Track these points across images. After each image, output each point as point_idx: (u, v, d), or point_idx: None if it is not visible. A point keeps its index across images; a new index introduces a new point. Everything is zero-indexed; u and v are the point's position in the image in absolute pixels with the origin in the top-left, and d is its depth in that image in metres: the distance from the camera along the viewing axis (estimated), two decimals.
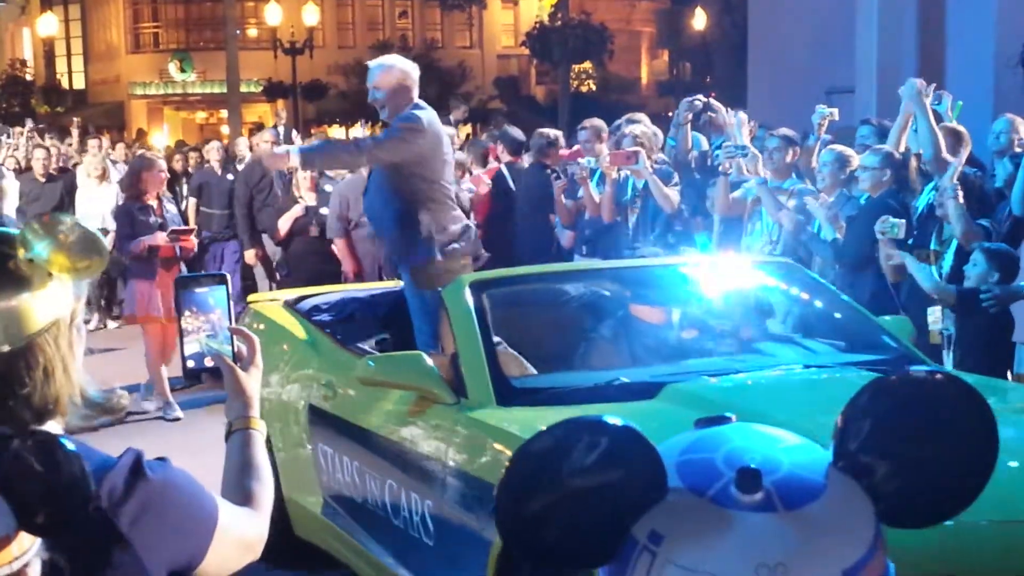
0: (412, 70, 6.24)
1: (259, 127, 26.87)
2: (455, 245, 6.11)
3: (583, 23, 30.65)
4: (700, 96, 8.83)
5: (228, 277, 2.22)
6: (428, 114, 6.15)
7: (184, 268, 8.53)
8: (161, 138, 27.89)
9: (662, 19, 40.49)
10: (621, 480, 1.16)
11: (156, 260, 8.50)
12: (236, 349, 2.10)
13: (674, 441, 1.23)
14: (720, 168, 7.42)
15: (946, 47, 14.71)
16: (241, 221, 10.41)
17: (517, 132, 10.38)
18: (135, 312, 8.54)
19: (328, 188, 9.73)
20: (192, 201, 11.88)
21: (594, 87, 37.22)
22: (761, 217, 7.28)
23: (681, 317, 5.31)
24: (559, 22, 27.75)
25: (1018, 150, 7.07)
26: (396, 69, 6.18)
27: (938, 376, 1.22)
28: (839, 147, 7.53)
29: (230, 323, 2.13)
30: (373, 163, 6.25)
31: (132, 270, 8.83)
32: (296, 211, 9.36)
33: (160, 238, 8.46)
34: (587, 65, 35.63)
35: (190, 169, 13.57)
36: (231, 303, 2.16)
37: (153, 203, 8.68)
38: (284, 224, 9.41)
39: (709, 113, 8.53)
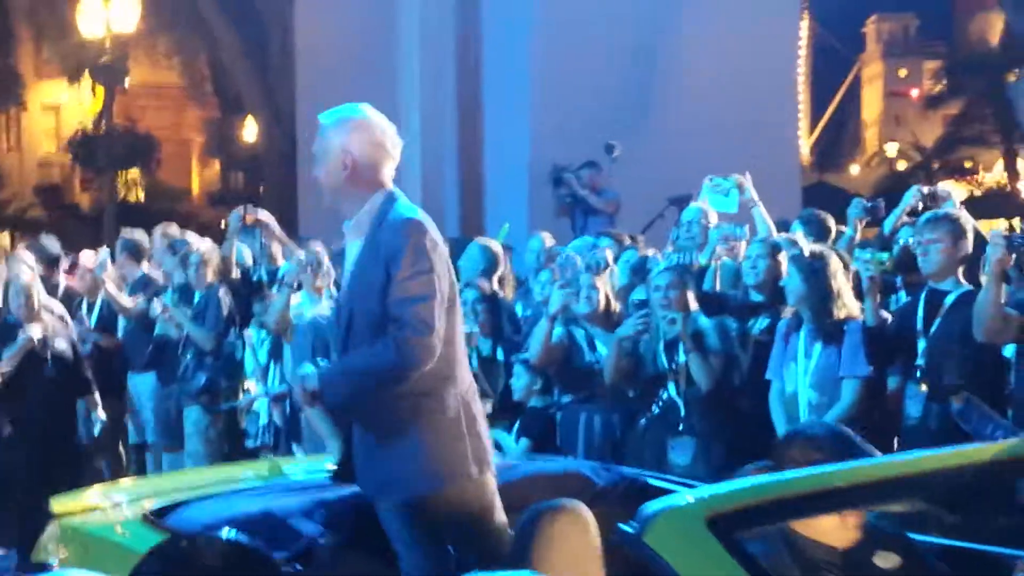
0: (391, 130, 4.03)
1: None
2: (484, 450, 4.01)
3: (128, 130, 29.92)
4: (250, 205, 8.77)
5: None
6: (428, 221, 3.95)
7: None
8: None
9: (212, 128, 40.19)
10: None
11: None
12: None
13: None
14: (285, 281, 7.35)
15: (484, 163, 15.46)
16: None
17: (52, 244, 9.88)
18: None
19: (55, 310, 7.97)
20: None
21: (142, 196, 36.30)
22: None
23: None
24: (103, 129, 26.94)
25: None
26: (374, 126, 3.97)
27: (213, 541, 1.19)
28: None
29: None
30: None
31: None
32: (26, 343, 7.17)
33: None
34: (134, 173, 34.75)
35: None
36: None
37: None
38: (9, 363, 7.08)
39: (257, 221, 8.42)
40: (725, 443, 6.19)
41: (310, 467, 4.94)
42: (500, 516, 4.05)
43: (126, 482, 5.46)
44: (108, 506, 4.54)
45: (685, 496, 3.10)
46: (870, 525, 3.42)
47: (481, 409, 4.08)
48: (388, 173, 3.99)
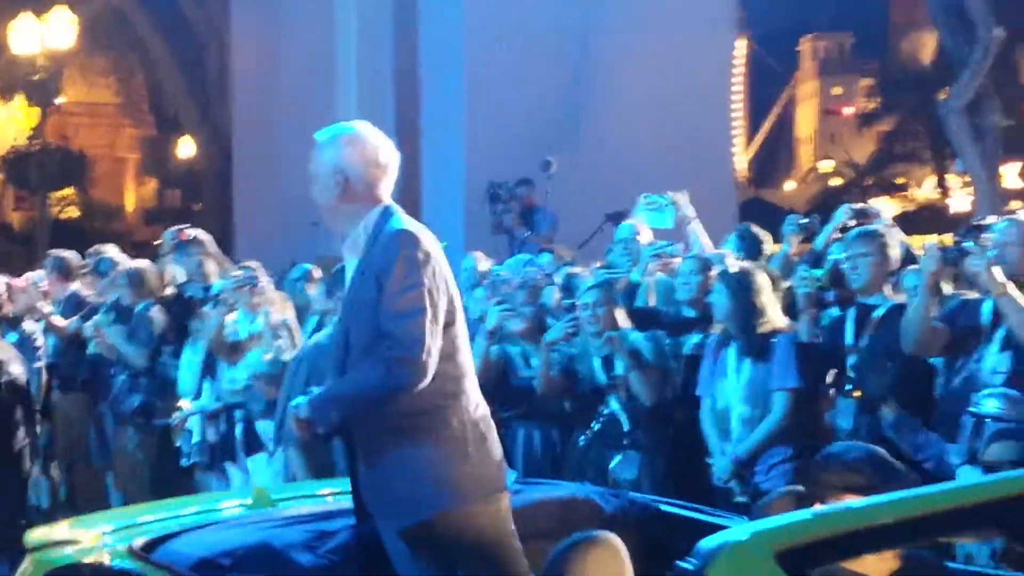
0: (386, 145, 3.94)
1: None
2: (495, 471, 3.81)
3: (62, 148, 29.62)
4: (187, 225, 8.73)
5: None
6: (423, 232, 3.81)
7: None
8: None
9: (147, 146, 39.94)
10: None
11: None
12: None
13: None
14: (221, 299, 7.34)
15: (421, 180, 15.49)
16: None
17: None
18: None
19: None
20: None
21: (77, 214, 35.94)
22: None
23: None
24: (36, 147, 26.62)
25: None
26: (366, 141, 3.88)
27: None
28: None
29: None
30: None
31: None
32: None
33: None
34: (68, 191, 34.40)
35: None
36: None
37: None
38: None
39: (193, 239, 8.37)
40: (667, 456, 6.24)
41: (303, 496, 4.69)
42: (515, 543, 3.79)
43: (104, 513, 4.96)
44: (87, 539, 4.18)
45: (748, 528, 2.90)
46: (908, 555, 3.25)
47: (492, 428, 3.84)
48: (385, 189, 3.86)
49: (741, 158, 33.57)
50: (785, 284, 6.62)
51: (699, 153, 14.54)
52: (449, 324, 3.72)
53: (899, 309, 5.73)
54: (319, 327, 7.55)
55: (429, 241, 3.74)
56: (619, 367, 6.22)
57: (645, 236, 7.49)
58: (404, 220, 3.79)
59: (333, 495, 4.53)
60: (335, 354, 3.88)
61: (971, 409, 5.14)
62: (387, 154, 3.88)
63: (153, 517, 4.41)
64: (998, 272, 5.16)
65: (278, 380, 6.99)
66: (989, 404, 5.08)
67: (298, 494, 4.77)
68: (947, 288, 5.87)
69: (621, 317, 6.33)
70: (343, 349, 3.80)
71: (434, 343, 3.63)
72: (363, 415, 3.72)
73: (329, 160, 3.83)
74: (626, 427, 6.23)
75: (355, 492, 3.86)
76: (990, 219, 5.74)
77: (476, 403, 3.81)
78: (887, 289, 5.96)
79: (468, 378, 3.81)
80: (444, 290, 3.71)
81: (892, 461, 3.49)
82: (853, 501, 3.18)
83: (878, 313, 5.85)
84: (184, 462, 7.64)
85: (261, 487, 4.74)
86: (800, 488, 3.65)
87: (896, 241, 6.05)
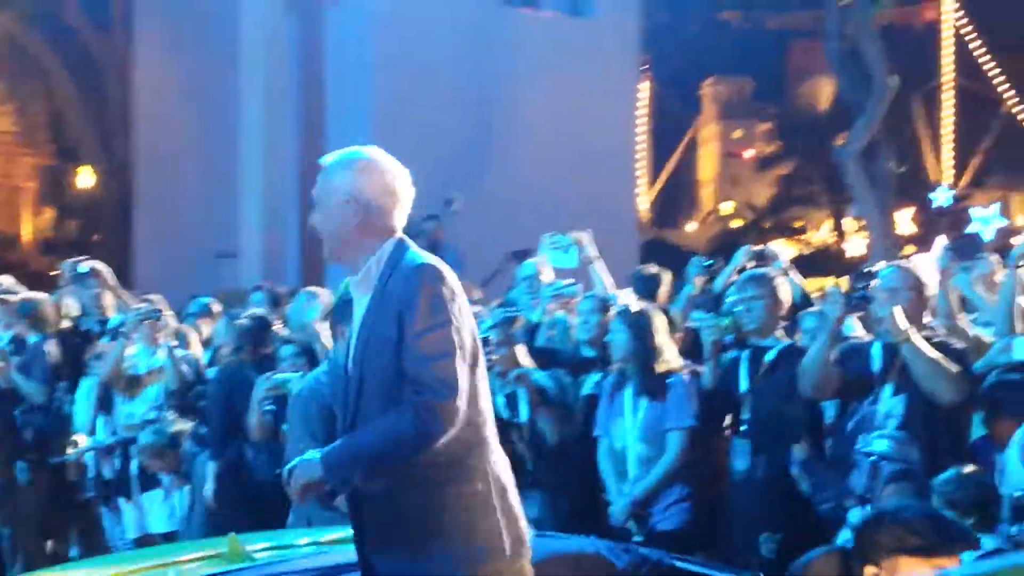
0: (402, 173, 3.60)
1: None
2: (518, 526, 3.48)
3: None
4: (85, 257, 8.60)
5: None
6: (445, 267, 3.50)
7: None
8: None
9: (45, 175, 39.24)
10: None
11: None
12: None
13: None
14: (121, 331, 7.27)
15: None
16: None
17: None
18: None
19: None
20: None
21: None
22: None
23: None
24: None
25: None
26: (383, 168, 3.54)
27: None
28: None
29: None
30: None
31: None
32: None
33: None
34: None
35: None
36: None
37: None
38: None
39: (93, 270, 8.24)
40: (570, 495, 6.27)
41: (277, 547, 4.40)
42: None
43: (78, 565, 4.61)
44: None
45: None
46: None
47: (511, 479, 3.50)
48: (399, 219, 3.53)
49: (644, 199, 33.98)
50: (687, 325, 6.70)
51: (602, 193, 14.75)
52: (472, 366, 3.42)
53: (791, 349, 5.83)
54: (213, 362, 7.52)
55: (452, 277, 3.44)
56: (523, 406, 6.25)
57: (547, 275, 7.54)
58: (422, 254, 3.49)
59: (309, 546, 4.34)
60: (345, 398, 3.50)
61: (862, 449, 5.23)
62: (403, 182, 3.55)
63: (131, 568, 4.12)
64: (902, 318, 5.24)
65: (162, 453, 6.89)
66: (879, 444, 5.18)
67: (272, 545, 4.45)
68: None
69: (522, 355, 6.37)
70: (356, 391, 3.45)
71: (465, 385, 3.34)
72: (387, 471, 3.36)
73: (340, 187, 3.49)
74: (530, 466, 6.24)
75: (360, 548, 3.51)
76: (879, 265, 5.85)
77: (497, 452, 3.50)
78: (779, 332, 6.06)
79: (489, 425, 3.48)
80: (469, 328, 3.44)
81: (949, 519, 3.32)
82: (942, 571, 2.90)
83: (771, 355, 5.93)
84: (79, 498, 7.51)
85: (234, 536, 4.25)
86: (845, 547, 3.48)
87: (786, 283, 6.15)
